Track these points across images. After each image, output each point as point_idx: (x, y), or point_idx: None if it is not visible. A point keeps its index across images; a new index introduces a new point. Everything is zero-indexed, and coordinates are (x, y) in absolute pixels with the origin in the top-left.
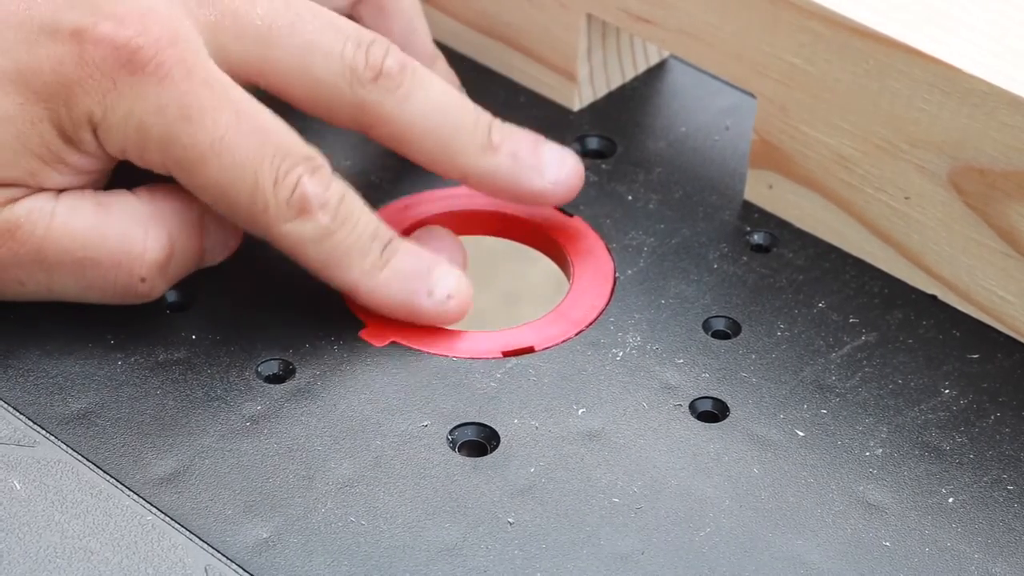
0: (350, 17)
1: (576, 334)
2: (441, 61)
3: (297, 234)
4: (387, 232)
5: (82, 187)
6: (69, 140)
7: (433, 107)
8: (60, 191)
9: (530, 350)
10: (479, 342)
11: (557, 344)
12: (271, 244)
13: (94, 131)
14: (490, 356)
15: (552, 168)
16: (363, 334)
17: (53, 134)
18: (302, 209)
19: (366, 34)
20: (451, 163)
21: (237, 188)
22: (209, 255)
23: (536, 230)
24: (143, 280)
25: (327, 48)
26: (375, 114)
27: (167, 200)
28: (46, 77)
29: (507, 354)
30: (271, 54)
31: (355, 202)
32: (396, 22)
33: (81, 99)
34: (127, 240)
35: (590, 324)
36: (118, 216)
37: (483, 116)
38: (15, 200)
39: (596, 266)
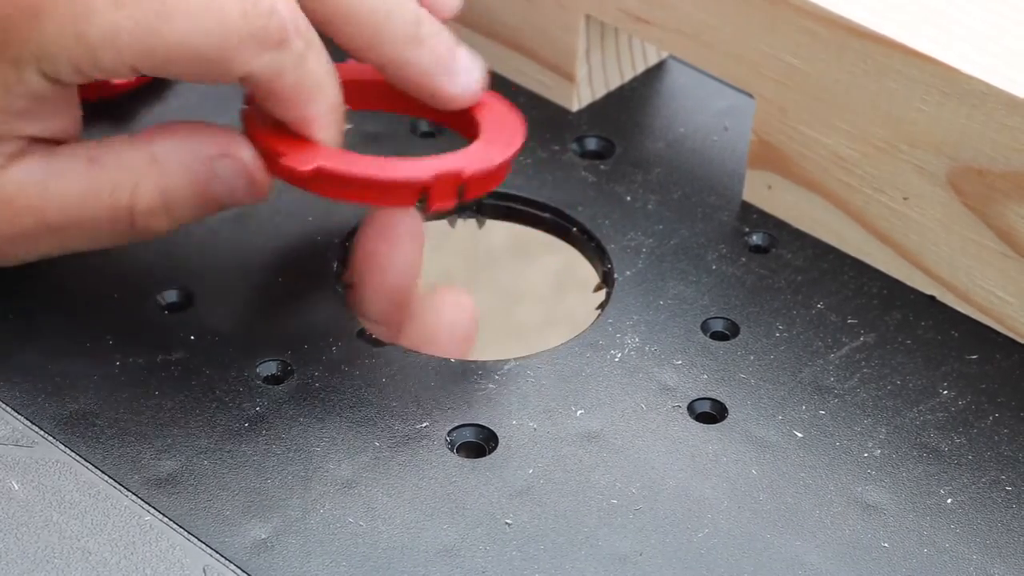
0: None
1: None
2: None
3: (275, 65)
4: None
5: (56, 127)
6: (9, 88)
7: None
8: (47, 148)
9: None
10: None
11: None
12: (248, 85)
13: (38, 69)
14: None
15: (463, 75)
16: (285, 160)
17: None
18: (280, 39)
19: None
20: (374, 50)
21: (203, 33)
22: (229, 196)
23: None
24: (147, 227)
25: None
26: None
27: (163, 139)
28: None
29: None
30: None
31: (311, 27)
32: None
33: (11, 43)
34: (118, 193)
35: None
36: (109, 169)
37: (419, 10)
38: (4, 167)
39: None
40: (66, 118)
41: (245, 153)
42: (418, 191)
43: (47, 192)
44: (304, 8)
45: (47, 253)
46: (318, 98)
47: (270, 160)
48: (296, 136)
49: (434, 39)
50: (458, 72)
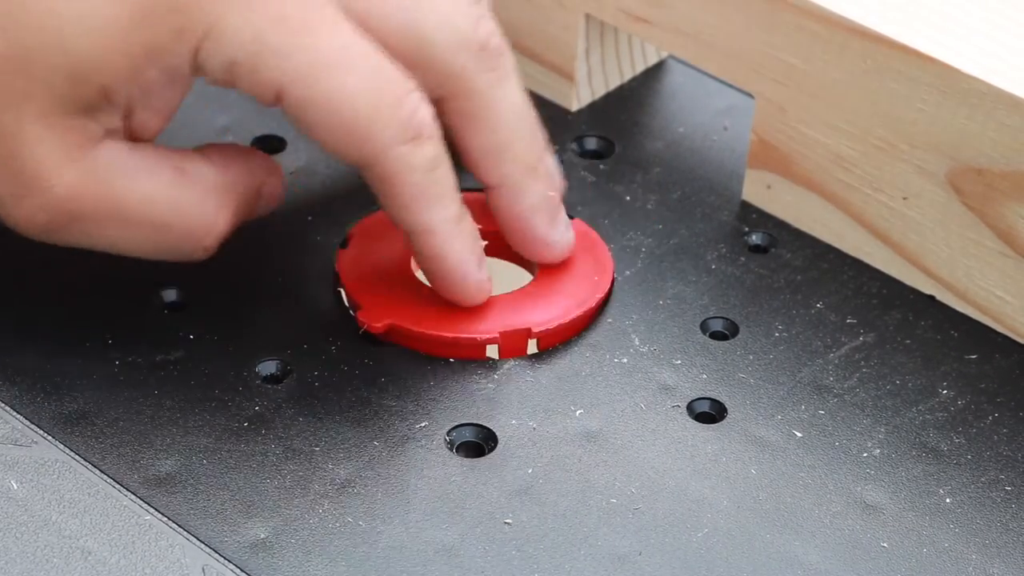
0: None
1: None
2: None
3: (408, 159)
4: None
5: (152, 123)
6: (159, 53)
7: (513, 104)
8: (135, 142)
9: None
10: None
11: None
12: (367, 171)
13: (194, 49)
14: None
15: (562, 227)
16: (360, 316)
17: (142, 44)
18: (417, 134)
19: (478, 6)
20: (499, 167)
21: (359, 101)
22: (263, 207)
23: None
24: (207, 249)
25: (439, 6)
26: (465, 85)
27: (236, 164)
28: None
29: (504, 335)
30: (388, 10)
31: (447, 154)
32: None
33: (188, 8)
34: (202, 213)
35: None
36: (194, 185)
37: (543, 144)
38: (100, 140)
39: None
40: (163, 118)
41: (279, 178)
42: (488, 342)
43: (134, 184)
44: (450, 109)
45: (88, 243)
46: (440, 206)
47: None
48: (382, 288)
49: (550, 180)
50: (559, 223)
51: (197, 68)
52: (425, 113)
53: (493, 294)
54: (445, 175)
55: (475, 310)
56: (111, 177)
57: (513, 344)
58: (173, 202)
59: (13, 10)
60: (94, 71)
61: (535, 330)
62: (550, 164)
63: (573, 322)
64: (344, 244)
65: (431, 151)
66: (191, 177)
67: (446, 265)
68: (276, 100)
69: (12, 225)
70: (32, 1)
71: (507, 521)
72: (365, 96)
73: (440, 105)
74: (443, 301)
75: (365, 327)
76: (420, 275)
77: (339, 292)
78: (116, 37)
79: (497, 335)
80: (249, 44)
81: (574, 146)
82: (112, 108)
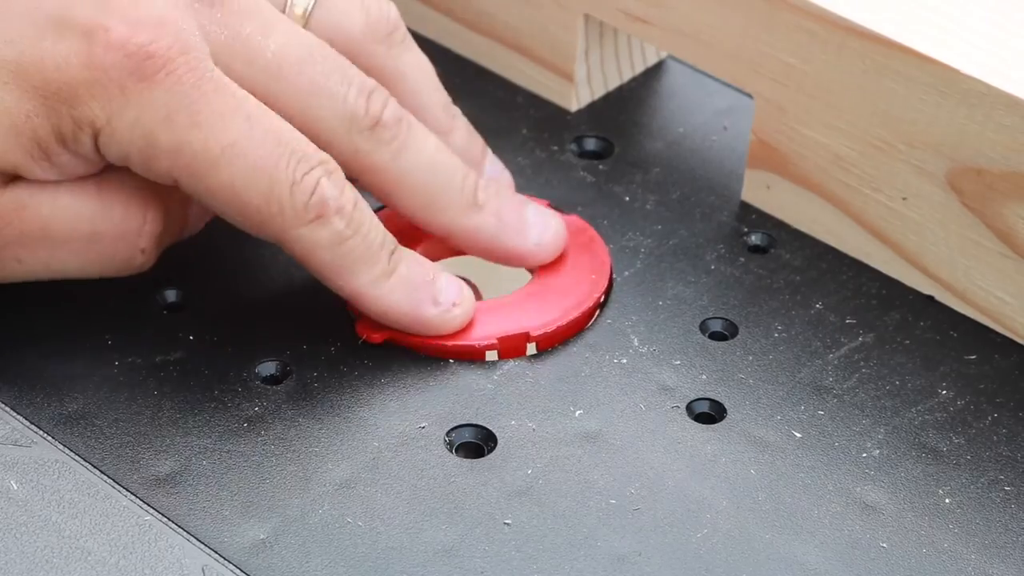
0: None
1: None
2: (459, 130)
3: (312, 239)
4: (392, 240)
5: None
6: (63, 140)
7: (424, 163)
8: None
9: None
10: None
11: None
12: (280, 247)
13: (94, 137)
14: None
15: (535, 230)
16: (359, 328)
17: (48, 131)
18: (319, 214)
19: (369, 82)
20: (436, 219)
21: (251, 192)
22: (191, 227)
23: None
24: (143, 251)
25: (332, 91)
26: (367, 163)
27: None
28: (49, 73)
29: (503, 340)
30: (276, 87)
31: (366, 208)
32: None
33: (86, 102)
34: (130, 214)
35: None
36: (119, 190)
37: (471, 176)
38: (11, 183)
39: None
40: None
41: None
42: (487, 348)
43: (58, 202)
44: (366, 184)
45: (26, 272)
46: (360, 273)
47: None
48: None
49: (494, 201)
50: (527, 229)
51: (102, 157)
52: (327, 188)
53: (490, 297)
54: (359, 243)
55: (473, 315)
56: (32, 201)
57: (512, 348)
58: (99, 210)
59: None
60: (2, 154)
61: (533, 334)
62: (482, 183)
63: (571, 323)
64: None
65: (338, 225)
66: (113, 183)
67: (397, 320)
68: (179, 188)
69: None
70: None
71: (507, 522)
72: (255, 186)
73: (357, 180)
74: None
75: (364, 338)
76: None
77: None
78: (22, 121)
79: (495, 340)
80: (140, 141)
81: (573, 146)
82: (22, 180)
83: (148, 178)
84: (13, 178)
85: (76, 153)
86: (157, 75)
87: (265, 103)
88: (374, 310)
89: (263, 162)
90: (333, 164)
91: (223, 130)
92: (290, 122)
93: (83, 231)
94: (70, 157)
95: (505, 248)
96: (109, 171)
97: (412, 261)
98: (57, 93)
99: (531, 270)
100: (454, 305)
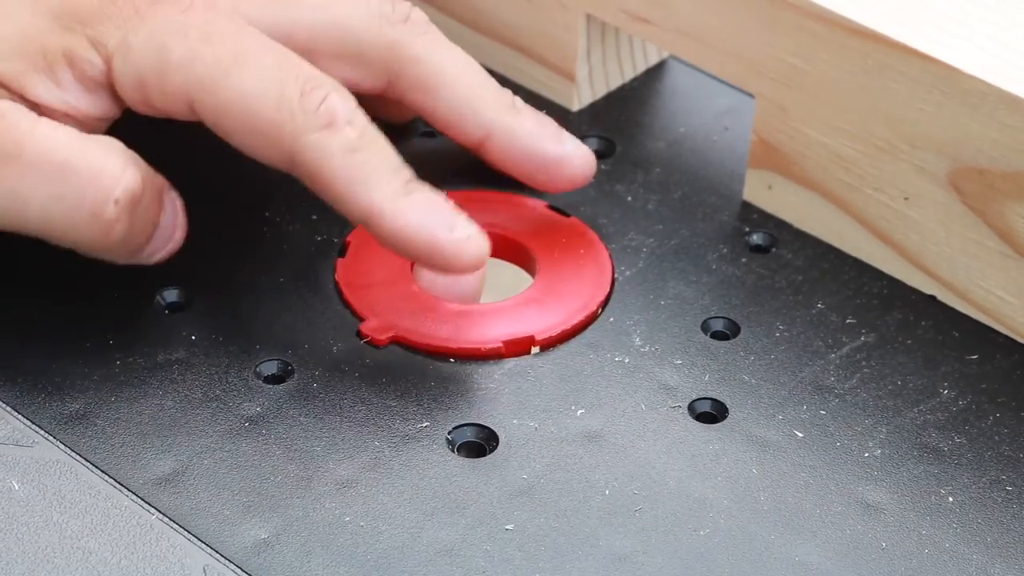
0: (387, 96)
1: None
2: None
3: (324, 145)
4: (409, 169)
5: (61, 117)
6: (71, 60)
7: (461, 57)
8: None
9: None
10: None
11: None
12: (294, 171)
13: (107, 60)
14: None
15: (572, 141)
16: (363, 329)
17: (58, 46)
18: (330, 121)
19: None
20: (476, 116)
21: (262, 100)
22: (152, 245)
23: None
24: (116, 202)
25: (352, 1)
26: (408, 53)
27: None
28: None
29: (507, 344)
30: (298, 15)
31: (380, 133)
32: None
33: (101, 22)
34: (109, 161)
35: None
36: (98, 140)
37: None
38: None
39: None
40: (78, 123)
41: (175, 216)
42: (492, 352)
43: (38, 125)
44: (400, 89)
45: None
46: (374, 185)
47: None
48: (382, 296)
49: (531, 111)
50: (564, 138)
51: (114, 88)
52: (337, 101)
53: (493, 300)
54: (374, 155)
55: (478, 317)
56: (12, 118)
57: (516, 351)
58: (77, 145)
59: None
60: (7, 66)
61: (538, 337)
62: (517, 97)
63: (576, 326)
64: (342, 253)
65: (350, 134)
66: (96, 137)
67: (409, 242)
68: (191, 112)
69: None
70: None
71: (507, 527)
72: (267, 93)
73: (397, 91)
74: (445, 306)
75: (368, 339)
76: (425, 277)
77: (340, 295)
78: (35, 37)
79: (500, 344)
80: (154, 58)
81: None
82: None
83: (161, 108)
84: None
85: (82, 76)
86: (171, 1)
87: (293, 35)
88: (388, 229)
89: (273, 71)
90: (342, 87)
91: (237, 40)
92: (321, 40)
93: (57, 158)
94: (73, 80)
95: (544, 151)
96: (93, 132)
97: (429, 190)
98: (74, 14)
99: (532, 271)
100: (468, 237)
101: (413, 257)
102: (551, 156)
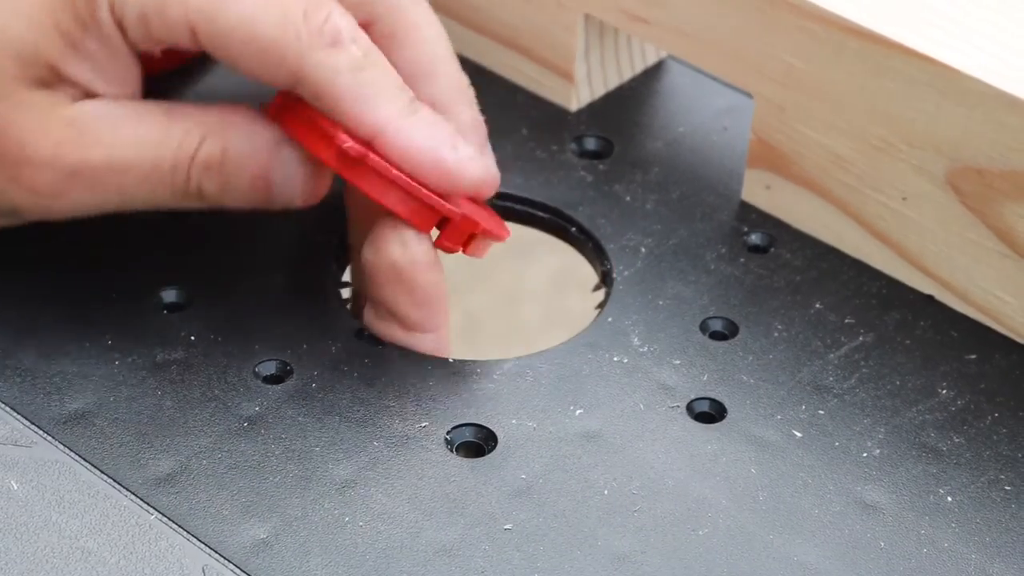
0: None
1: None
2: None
3: (331, 63)
4: (410, 91)
5: (117, 90)
6: (84, 23)
7: (437, 25)
8: (116, 98)
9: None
10: None
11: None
12: (300, 90)
13: (111, 8)
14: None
15: (491, 155)
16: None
17: (68, 17)
18: (335, 40)
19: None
20: (428, 86)
21: (266, 21)
22: (284, 186)
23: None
24: (200, 187)
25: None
26: (386, 2)
27: (236, 113)
28: None
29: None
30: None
31: (382, 55)
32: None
33: None
34: (186, 142)
35: None
36: (183, 120)
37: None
38: (75, 99)
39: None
40: (128, 83)
41: (323, 181)
42: (438, 220)
43: (119, 130)
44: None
45: (97, 203)
46: (381, 103)
47: (320, 140)
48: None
49: (475, 105)
50: (488, 153)
51: (123, 32)
52: (340, 19)
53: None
54: (379, 74)
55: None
56: (96, 126)
57: (457, 233)
58: (160, 137)
59: None
60: (36, 50)
61: (480, 227)
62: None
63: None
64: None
65: (355, 52)
66: (179, 113)
67: (416, 158)
68: (194, 42)
69: (26, 210)
70: None
71: (506, 527)
72: (270, 13)
73: (366, 31)
74: None
75: (341, 152)
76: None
77: (339, 292)
78: (44, 14)
79: (460, 216)
80: None
81: (573, 146)
82: (67, 84)
83: (166, 39)
84: (76, 99)
85: (100, 36)
86: None
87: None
88: (396, 146)
89: None
90: (341, 7)
91: None
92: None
93: (145, 155)
94: (96, 42)
95: (436, 157)
96: (171, 104)
97: (432, 112)
98: None
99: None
100: (471, 158)
101: (419, 174)
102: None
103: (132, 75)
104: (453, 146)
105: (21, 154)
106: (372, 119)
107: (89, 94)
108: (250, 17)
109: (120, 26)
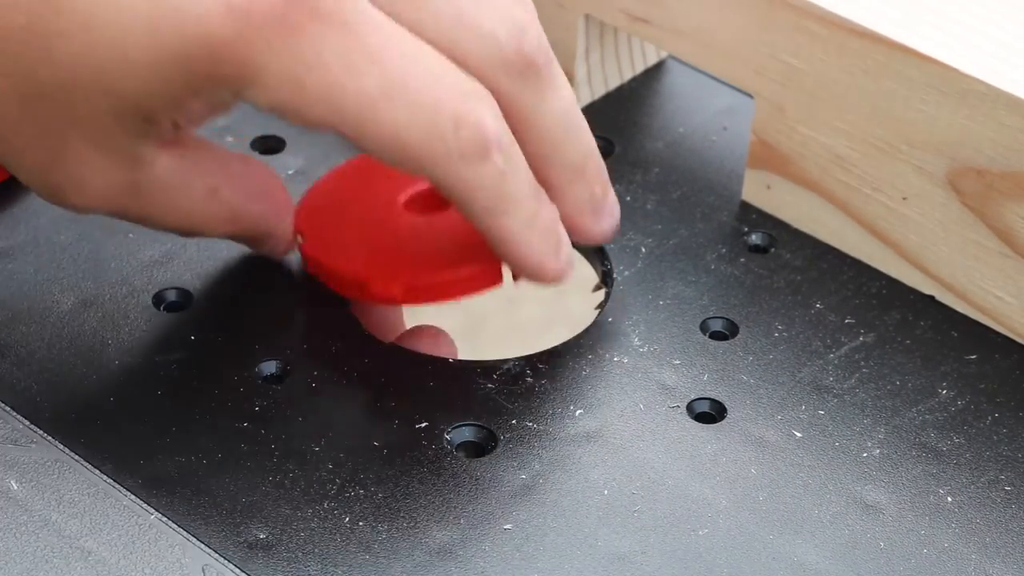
0: None
1: None
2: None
3: (474, 178)
4: (536, 185)
5: (190, 126)
6: (197, 93)
7: (561, 111)
8: (178, 143)
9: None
10: None
11: None
12: (435, 185)
13: (236, 93)
14: None
15: (607, 219)
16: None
17: (183, 86)
18: (482, 153)
19: (520, 16)
20: (541, 172)
21: (412, 132)
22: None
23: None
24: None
25: (484, 20)
26: (506, 102)
27: (261, 203)
28: (188, 28)
29: None
30: (421, 16)
31: (521, 155)
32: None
33: (227, 59)
34: (211, 223)
35: None
36: (220, 206)
37: (590, 138)
38: (145, 162)
39: None
40: (202, 123)
41: (289, 246)
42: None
43: (168, 203)
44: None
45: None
46: (512, 214)
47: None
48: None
49: (596, 174)
50: (605, 215)
51: (241, 100)
52: (490, 122)
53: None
54: (517, 180)
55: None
56: (149, 195)
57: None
58: (199, 219)
59: (54, 46)
60: (136, 108)
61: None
62: (595, 152)
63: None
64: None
65: (499, 162)
66: (219, 200)
67: (523, 263)
68: (337, 133)
69: (49, 201)
70: (71, 40)
71: (506, 527)
72: (418, 124)
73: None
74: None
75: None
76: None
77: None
78: (157, 80)
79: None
80: (290, 93)
81: None
82: (159, 128)
83: (301, 125)
84: (157, 143)
85: (211, 104)
86: (306, 20)
87: (419, 30)
88: (511, 253)
89: (425, 98)
90: (490, 96)
91: (380, 72)
92: (441, 50)
93: (182, 228)
94: (204, 107)
95: (579, 225)
96: (223, 185)
97: (549, 210)
98: (196, 53)
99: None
100: (569, 263)
101: (514, 268)
102: (581, 234)
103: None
104: (556, 254)
105: (74, 191)
106: (497, 228)
107: (181, 126)
108: (398, 126)
109: (237, 96)
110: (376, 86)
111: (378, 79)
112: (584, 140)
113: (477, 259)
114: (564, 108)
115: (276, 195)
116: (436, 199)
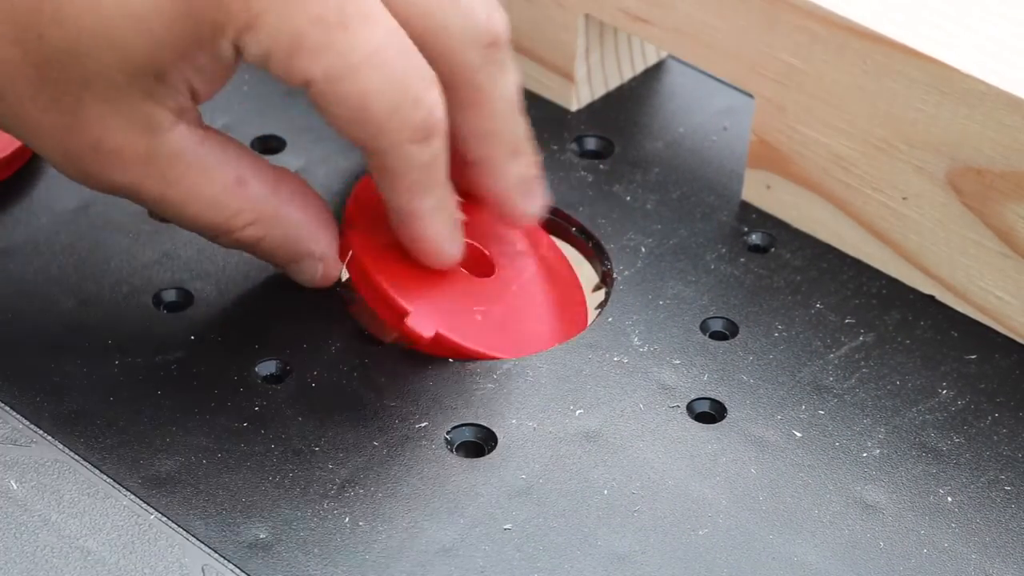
0: None
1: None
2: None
3: (413, 156)
4: (449, 184)
5: (210, 89)
6: (201, 43)
7: (510, 92)
8: (197, 121)
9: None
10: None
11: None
12: (371, 158)
13: (235, 40)
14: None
15: (537, 200)
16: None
17: (189, 34)
18: (428, 133)
19: None
20: (483, 149)
21: (379, 103)
22: (300, 278)
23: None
24: (231, 242)
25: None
26: (469, 78)
27: (293, 207)
28: None
29: None
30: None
31: (446, 146)
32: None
33: (230, 5)
34: (236, 218)
35: None
36: (244, 199)
37: (525, 124)
38: (169, 128)
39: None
40: (216, 87)
41: (333, 270)
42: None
43: (186, 181)
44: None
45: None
46: (429, 195)
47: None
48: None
49: (530, 156)
50: (536, 196)
51: (239, 55)
52: (440, 111)
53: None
54: (441, 166)
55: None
56: (173, 171)
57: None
58: (219, 202)
59: (62, 6)
60: (145, 62)
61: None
62: (531, 143)
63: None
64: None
65: (436, 146)
66: (246, 194)
67: (423, 244)
68: (303, 87)
69: (67, 176)
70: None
71: (506, 527)
72: (387, 96)
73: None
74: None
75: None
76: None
77: (339, 292)
78: (162, 30)
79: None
80: (285, 41)
81: (574, 146)
82: (171, 89)
83: (279, 78)
84: (175, 110)
85: (215, 55)
86: None
87: (400, 3)
88: (423, 235)
89: (398, 73)
90: (440, 86)
91: (371, 33)
92: (420, 22)
93: (199, 210)
94: (209, 59)
95: (512, 204)
96: (252, 176)
97: (452, 198)
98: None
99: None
100: (459, 252)
101: (414, 247)
102: (516, 214)
103: (229, 75)
104: (451, 240)
105: (100, 159)
106: (415, 206)
107: (192, 93)
108: (368, 93)
109: (237, 50)
110: (363, 49)
111: (364, 46)
112: (523, 122)
113: (504, 348)
114: (513, 89)
115: (315, 205)
116: (484, 264)
